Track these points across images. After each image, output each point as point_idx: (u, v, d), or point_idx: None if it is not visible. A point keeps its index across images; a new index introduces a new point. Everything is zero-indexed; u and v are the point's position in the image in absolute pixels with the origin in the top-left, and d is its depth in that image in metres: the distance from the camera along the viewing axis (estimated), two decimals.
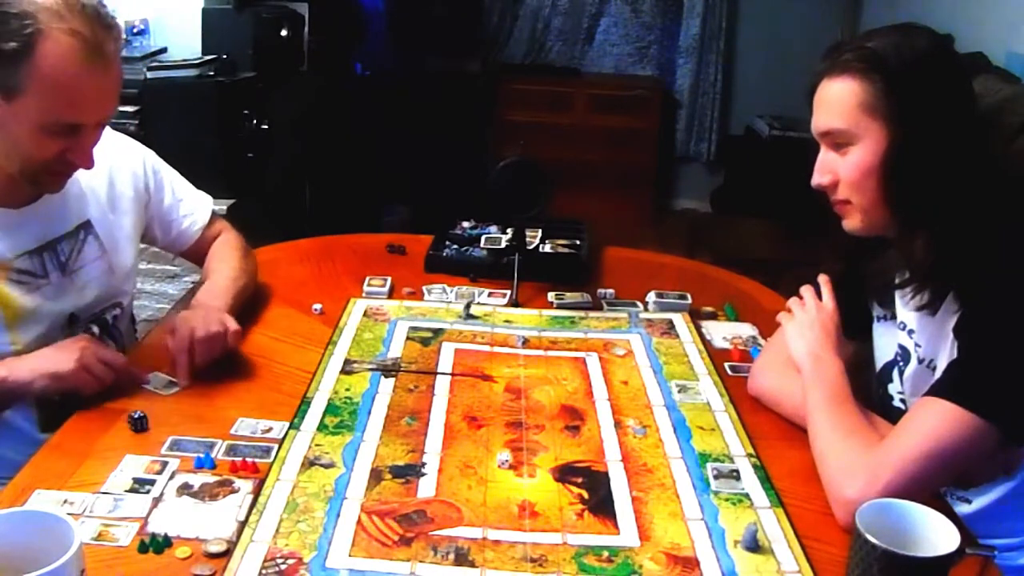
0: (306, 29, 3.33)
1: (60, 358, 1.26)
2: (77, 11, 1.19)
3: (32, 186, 1.33)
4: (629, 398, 1.38)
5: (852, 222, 1.23)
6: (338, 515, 1.06)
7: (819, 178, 1.22)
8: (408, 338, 1.54)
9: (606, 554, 1.02)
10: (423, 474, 1.16)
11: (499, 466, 1.18)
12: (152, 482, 1.10)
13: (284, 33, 3.18)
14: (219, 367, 1.41)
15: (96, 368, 1.27)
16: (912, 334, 1.27)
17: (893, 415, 1.25)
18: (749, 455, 1.23)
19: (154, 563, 0.97)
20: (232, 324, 1.40)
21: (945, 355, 1.19)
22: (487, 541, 1.03)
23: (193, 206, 1.64)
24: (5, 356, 1.29)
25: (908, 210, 1.17)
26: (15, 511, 0.94)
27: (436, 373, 1.43)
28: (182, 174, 1.65)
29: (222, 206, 2.57)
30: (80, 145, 1.26)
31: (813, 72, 1.22)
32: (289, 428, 1.24)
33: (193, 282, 1.77)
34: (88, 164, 1.29)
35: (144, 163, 1.56)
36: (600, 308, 1.71)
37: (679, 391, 1.40)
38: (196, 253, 1.65)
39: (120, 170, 1.51)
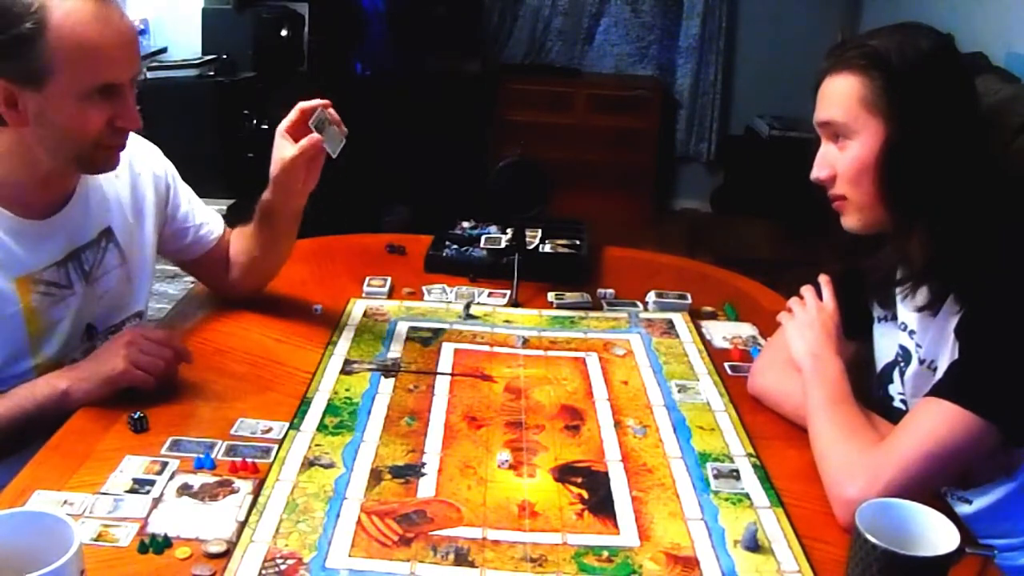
0: (306, 29, 3.33)
1: (109, 361, 1.26)
2: None
3: (89, 169, 1.33)
4: (629, 398, 1.38)
5: (849, 219, 1.23)
6: (338, 515, 1.06)
7: (818, 171, 1.23)
8: (408, 338, 1.54)
9: (606, 554, 1.02)
10: (423, 474, 1.16)
11: (499, 466, 1.18)
12: (152, 482, 1.10)
13: (284, 33, 3.18)
14: (219, 367, 1.41)
15: (144, 362, 1.26)
16: (913, 335, 1.27)
17: (893, 416, 1.25)
18: (749, 455, 1.23)
19: (154, 563, 0.97)
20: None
21: (946, 356, 1.19)
22: (487, 541, 1.03)
23: (208, 217, 1.62)
24: (26, 377, 1.29)
25: (903, 207, 1.18)
26: (15, 511, 0.94)
27: (436, 373, 1.43)
28: (182, 174, 1.64)
29: (222, 206, 2.57)
30: (125, 106, 1.25)
31: (818, 69, 1.23)
32: (289, 428, 1.24)
33: (193, 281, 1.77)
34: (137, 124, 1.28)
35: (166, 169, 1.55)
36: (600, 308, 1.71)
37: (679, 391, 1.40)
38: (207, 262, 1.61)
39: (142, 173, 1.50)
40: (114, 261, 1.43)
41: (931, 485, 1.10)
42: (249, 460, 1.15)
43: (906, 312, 1.27)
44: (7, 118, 1.22)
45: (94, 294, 1.40)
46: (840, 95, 1.18)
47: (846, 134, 1.19)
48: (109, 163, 1.33)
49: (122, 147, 1.32)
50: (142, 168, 1.50)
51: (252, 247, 1.56)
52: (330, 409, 1.30)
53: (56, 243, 1.34)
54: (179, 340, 1.37)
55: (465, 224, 2.01)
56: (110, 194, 1.43)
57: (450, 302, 1.70)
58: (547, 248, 1.91)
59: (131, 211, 1.47)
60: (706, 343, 1.57)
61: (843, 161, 1.20)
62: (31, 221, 1.31)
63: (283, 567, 0.97)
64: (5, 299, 1.27)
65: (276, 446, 1.19)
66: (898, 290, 1.27)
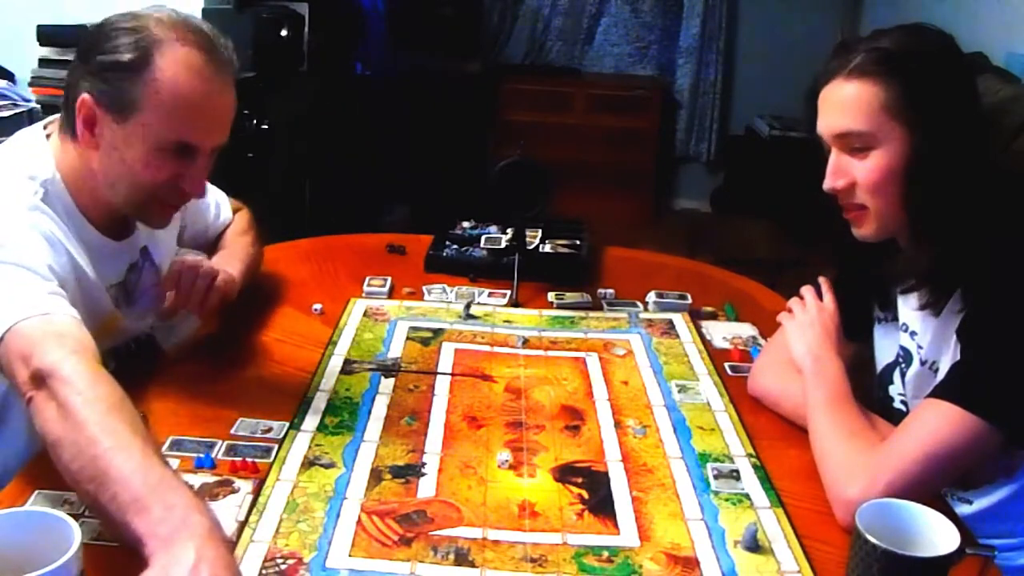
0: (306, 29, 3.33)
1: None
2: (192, 28, 1.18)
3: (137, 217, 1.29)
4: (629, 398, 1.38)
5: (865, 228, 1.21)
6: (338, 515, 1.06)
7: (833, 182, 1.19)
8: (408, 338, 1.54)
9: (606, 554, 1.02)
10: (423, 474, 1.16)
11: (499, 466, 1.18)
12: None
13: (284, 33, 3.17)
14: (219, 367, 1.41)
15: None
16: (914, 336, 1.26)
17: (894, 417, 1.25)
18: (749, 455, 1.23)
19: None
20: (223, 273, 1.39)
21: (948, 357, 1.18)
22: (487, 541, 1.03)
23: (218, 199, 1.64)
24: None
25: (924, 213, 1.15)
26: (15, 511, 0.94)
27: (436, 373, 1.43)
28: None
29: None
30: (193, 171, 1.21)
31: (820, 72, 1.19)
32: (289, 428, 1.24)
33: None
34: (201, 192, 1.25)
35: None
36: (600, 308, 1.71)
37: (679, 391, 1.40)
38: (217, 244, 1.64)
39: None
40: (151, 279, 1.40)
41: (931, 486, 1.10)
42: (249, 460, 1.15)
43: (907, 313, 1.27)
44: (80, 138, 1.19)
45: (132, 314, 1.37)
46: (859, 104, 1.14)
47: (868, 143, 1.15)
48: (161, 220, 1.31)
49: (176, 209, 1.30)
50: None
51: None
52: (330, 409, 1.30)
53: (117, 266, 1.32)
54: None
55: (465, 224, 2.01)
56: None
57: (450, 302, 1.70)
58: (547, 248, 1.91)
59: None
60: (706, 343, 1.57)
61: (865, 170, 1.16)
62: (106, 240, 1.28)
63: (283, 567, 0.97)
64: (100, 305, 1.25)
65: (276, 446, 1.19)
66: (899, 290, 1.27)
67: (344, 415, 1.29)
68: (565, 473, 1.18)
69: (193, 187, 1.24)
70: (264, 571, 0.96)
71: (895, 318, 1.31)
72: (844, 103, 1.16)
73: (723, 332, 1.62)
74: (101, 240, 1.28)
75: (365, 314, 1.63)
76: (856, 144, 1.17)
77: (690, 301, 1.71)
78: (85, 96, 1.17)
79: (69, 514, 0.84)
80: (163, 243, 1.44)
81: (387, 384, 1.38)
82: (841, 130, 1.17)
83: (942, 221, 1.15)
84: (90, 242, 1.25)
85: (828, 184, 1.20)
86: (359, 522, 1.05)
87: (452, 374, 1.43)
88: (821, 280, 1.36)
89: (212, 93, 1.19)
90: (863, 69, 1.14)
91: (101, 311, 1.26)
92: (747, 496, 1.14)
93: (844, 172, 1.18)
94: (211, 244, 1.63)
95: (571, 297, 1.72)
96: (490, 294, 1.74)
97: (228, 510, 1.06)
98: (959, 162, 1.13)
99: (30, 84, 2.79)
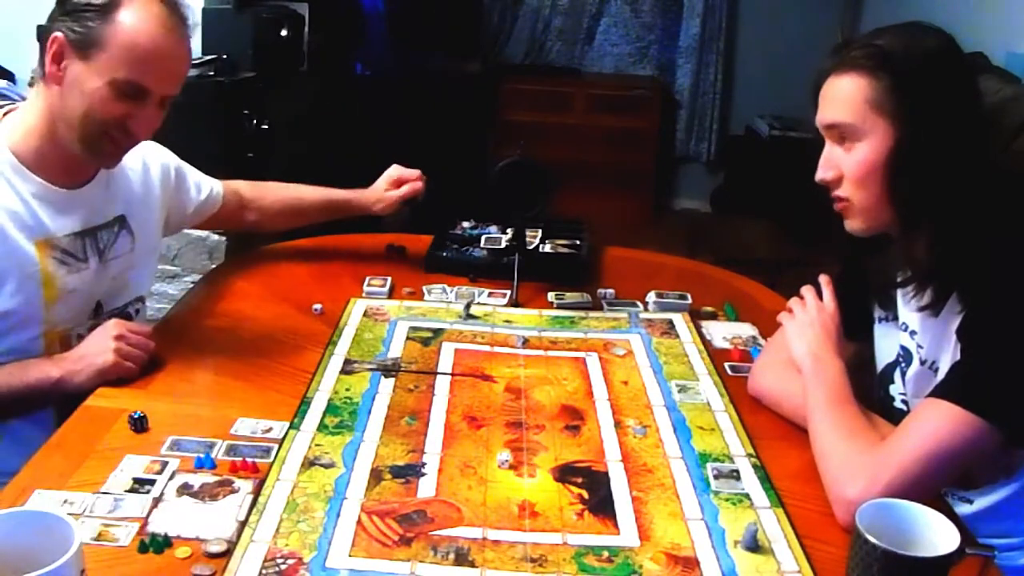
0: (306, 29, 3.32)
1: (99, 352, 1.31)
2: None
3: (90, 155, 1.36)
4: (629, 398, 1.38)
5: (854, 221, 1.22)
6: (338, 515, 1.06)
7: (823, 173, 1.22)
8: (408, 338, 1.54)
9: (606, 554, 1.02)
10: (423, 474, 1.16)
11: (499, 466, 1.18)
12: (152, 482, 1.10)
13: (284, 33, 3.17)
14: (219, 367, 1.41)
15: (132, 355, 1.32)
16: (914, 335, 1.26)
17: (894, 416, 1.25)
18: (749, 455, 1.23)
19: (154, 563, 0.97)
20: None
21: (948, 356, 1.18)
22: (487, 541, 1.03)
23: (209, 181, 1.74)
24: (31, 346, 1.35)
25: (911, 208, 1.17)
26: (15, 511, 0.94)
27: (436, 373, 1.43)
28: None
29: None
30: (143, 114, 1.32)
31: (820, 68, 1.21)
32: (289, 428, 1.24)
33: (193, 282, 1.78)
34: (145, 134, 1.36)
35: (169, 161, 1.64)
36: (600, 308, 1.71)
37: (679, 391, 1.40)
38: (222, 216, 1.78)
39: (151, 167, 1.58)
40: (126, 246, 1.50)
41: (932, 486, 1.10)
42: (249, 460, 1.15)
43: (907, 312, 1.27)
44: (48, 72, 1.30)
45: (106, 273, 1.45)
46: (847, 96, 1.17)
47: (853, 136, 1.17)
48: (110, 158, 1.40)
49: (124, 149, 1.38)
50: (151, 163, 1.58)
51: (295, 213, 1.89)
52: (330, 409, 1.30)
53: (76, 215, 1.40)
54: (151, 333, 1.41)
55: (465, 224, 2.01)
56: (124, 185, 1.51)
57: (450, 302, 1.70)
58: (547, 248, 1.91)
59: (142, 202, 1.54)
60: (706, 343, 1.57)
61: (850, 163, 1.18)
62: (56, 189, 1.37)
63: (283, 567, 0.97)
64: (25, 259, 1.33)
65: (276, 446, 1.19)
66: (900, 290, 1.27)
67: (344, 415, 1.29)
68: (565, 473, 1.18)
69: (140, 129, 1.34)
70: (264, 571, 0.96)
71: (895, 317, 1.32)
72: (833, 96, 1.19)
73: (723, 332, 1.62)
74: (48, 189, 1.36)
75: (365, 314, 1.63)
76: (843, 134, 1.19)
77: (690, 301, 1.71)
78: (57, 34, 1.28)
79: (69, 514, 0.84)
80: (141, 217, 1.54)
81: (387, 384, 1.38)
82: (829, 122, 1.20)
83: (930, 217, 1.16)
84: (36, 193, 1.35)
85: (817, 175, 1.23)
86: (359, 522, 1.05)
87: (452, 374, 1.43)
88: (821, 279, 1.36)
89: (167, 44, 1.31)
90: (853, 63, 1.17)
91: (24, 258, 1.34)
92: (747, 496, 1.14)
93: (832, 164, 1.21)
94: (210, 213, 1.75)
95: (571, 297, 1.72)
96: (490, 294, 1.74)
97: (228, 510, 1.06)
98: (946, 159, 1.14)
99: (30, 84, 2.79)
